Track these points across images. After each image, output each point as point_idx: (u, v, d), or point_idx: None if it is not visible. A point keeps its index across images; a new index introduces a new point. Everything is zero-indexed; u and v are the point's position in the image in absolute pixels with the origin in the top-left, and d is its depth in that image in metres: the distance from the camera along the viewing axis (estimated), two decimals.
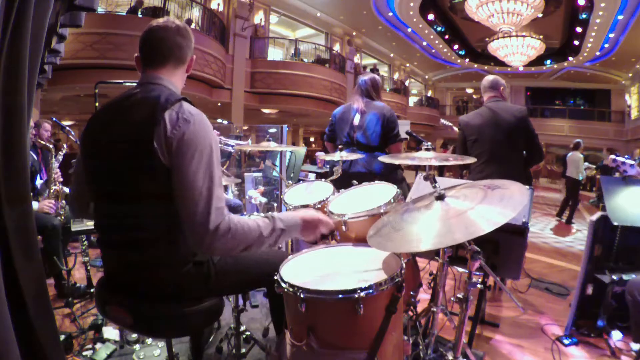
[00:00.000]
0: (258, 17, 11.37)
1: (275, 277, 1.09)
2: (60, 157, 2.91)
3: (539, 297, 2.88)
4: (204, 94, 9.42)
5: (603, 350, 2.08)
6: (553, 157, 17.94)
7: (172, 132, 0.99)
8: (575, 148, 6.71)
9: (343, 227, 1.42)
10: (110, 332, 2.05)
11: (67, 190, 2.81)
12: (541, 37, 13.61)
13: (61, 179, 2.79)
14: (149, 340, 2.01)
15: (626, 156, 2.19)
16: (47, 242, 2.49)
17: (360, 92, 2.61)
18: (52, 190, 2.72)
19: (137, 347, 1.96)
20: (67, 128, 2.98)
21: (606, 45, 13.61)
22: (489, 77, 2.72)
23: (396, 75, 18.17)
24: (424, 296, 2.49)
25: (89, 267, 2.68)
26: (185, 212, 0.99)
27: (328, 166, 3.69)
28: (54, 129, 3.54)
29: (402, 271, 1.06)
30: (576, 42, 13.96)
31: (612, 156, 2.23)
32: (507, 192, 1.09)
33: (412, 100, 20.18)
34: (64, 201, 2.77)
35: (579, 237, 5.27)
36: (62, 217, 2.67)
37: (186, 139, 1.00)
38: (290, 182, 2.15)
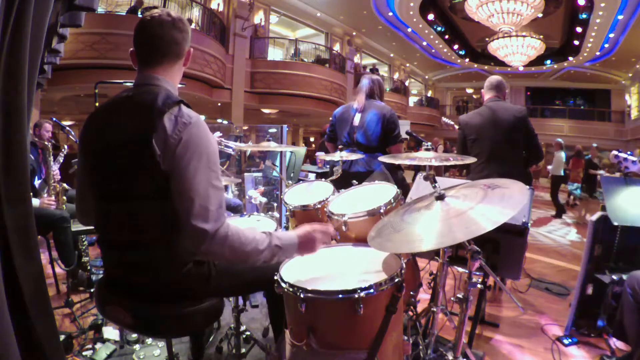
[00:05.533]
0: (258, 17, 11.37)
1: (275, 277, 1.09)
2: (60, 159, 2.94)
3: (539, 297, 2.88)
4: (204, 94, 9.42)
5: (603, 350, 2.07)
6: (553, 157, 17.97)
7: (172, 136, 0.99)
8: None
9: (343, 227, 1.42)
10: (110, 332, 2.05)
11: (66, 186, 2.82)
12: (541, 37, 13.61)
13: (59, 177, 2.81)
14: (149, 340, 2.01)
15: (628, 152, 2.18)
16: (57, 235, 2.52)
17: (363, 91, 2.61)
18: (51, 188, 2.73)
19: (137, 347, 1.96)
20: (67, 128, 2.99)
21: (606, 45, 13.61)
22: (497, 77, 2.71)
23: (396, 75, 18.16)
24: (424, 296, 2.49)
25: (88, 267, 2.68)
26: (183, 215, 0.98)
27: (328, 166, 3.69)
28: (54, 129, 3.55)
29: (402, 271, 1.06)
30: (576, 42, 13.96)
31: (615, 152, 2.22)
32: (507, 191, 1.09)
33: (412, 100, 20.17)
34: (64, 198, 2.79)
35: (578, 237, 5.27)
36: None
37: (185, 142, 0.99)
38: (290, 182, 2.15)
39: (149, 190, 1.02)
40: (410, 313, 1.64)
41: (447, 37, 15.03)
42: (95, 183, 1.13)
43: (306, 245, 1.16)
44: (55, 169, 2.80)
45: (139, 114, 1.03)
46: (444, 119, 3.63)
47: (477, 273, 1.25)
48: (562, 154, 7.20)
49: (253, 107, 11.39)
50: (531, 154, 2.60)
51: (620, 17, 11.33)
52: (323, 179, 2.06)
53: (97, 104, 2.59)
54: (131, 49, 1.15)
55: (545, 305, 2.72)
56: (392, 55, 17.68)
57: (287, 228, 2.25)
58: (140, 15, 7.76)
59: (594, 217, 2.21)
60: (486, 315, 2.42)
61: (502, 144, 2.51)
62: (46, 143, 2.85)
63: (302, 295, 0.98)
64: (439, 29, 14.36)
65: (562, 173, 7.19)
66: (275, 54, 12.60)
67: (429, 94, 21.49)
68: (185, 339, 1.94)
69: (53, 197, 2.68)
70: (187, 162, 0.99)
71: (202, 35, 8.77)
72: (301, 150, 3.71)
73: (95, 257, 3.15)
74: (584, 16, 11.84)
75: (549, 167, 7.40)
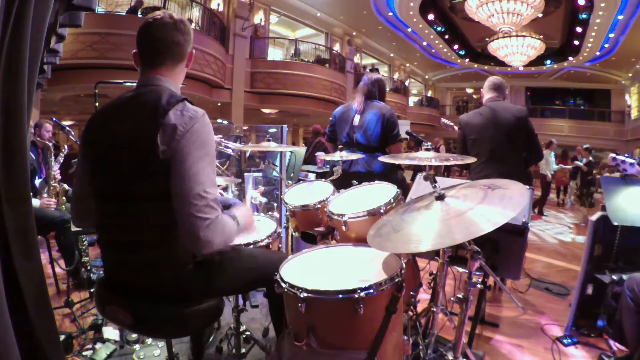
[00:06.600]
0: (258, 17, 11.37)
1: (276, 277, 1.09)
2: (61, 159, 2.94)
3: (539, 297, 2.88)
4: (204, 94, 9.42)
5: (603, 350, 2.07)
6: None
7: (178, 129, 1.01)
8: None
9: (343, 227, 1.42)
10: (110, 332, 2.05)
11: (66, 187, 2.83)
12: (541, 37, 13.60)
13: (59, 177, 2.81)
14: (149, 340, 2.01)
15: (626, 155, 2.19)
16: (59, 236, 2.54)
17: (361, 91, 2.61)
18: (51, 188, 2.73)
19: (137, 347, 1.96)
20: (67, 128, 2.99)
21: (606, 45, 13.61)
22: (498, 78, 2.71)
23: (396, 75, 18.16)
24: (424, 296, 2.49)
25: (89, 267, 2.69)
26: (182, 206, 0.99)
27: (328, 166, 3.69)
28: (54, 129, 3.56)
29: (402, 271, 1.06)
30: (576, 42, 13.95)
31: (612, 155, 2.23)
32: (507, 192, 1.09)
33: (412, 100, 20.17)
34: (64, 198, 2.79)
35: (578, 238, 5.27)
36: None
37: (190, 134, 1.01)
38: (290, 182, 2.15)
39: (151, 191, 1.03)
40: (410, 313, 1.64)
41: (447, 37, 15.02)
42: (97, 184, 1.12)
43: (248, 225, 1.20)
44: (56, 169, 2.80)
45: (143, 113, 1.04)
46: (443, 119, 3.63)
47: (477, 273, 1.25)
48: (551, 154, 7.34)
49: (253, 107, 11.39)
50: (531, 154, 2.60)
51: (620, 17, 11.33)
52: (323, 179, 2.06)
53: (97, 104, 2.60)
54: (134, 50, 1.16)
55: (545, 305, 2.73)
56: (392, 55, 17.68)
57: (287, 228, 2.25)
58: (140, 15, 7.77)
59: (594, 217, 2.21)
60: (486, 315, 2.43)
61: (502, 144, 2.50)
62: (47, 143, 2.86)
63: (302, 295, 0.99)
64: (439, 29, 14.36)
65: (549, 173, 7.30)
66: (275, 54, 12.60)
67: (429, 94, 21.49)
68: (185, 339, 1.94)
69: (53, 198, 2.68)
70: (189, 154, 1.00)
71: (202, 36, 8.77)
72: (301, 150, 3.71)
73: (95, 257, 3.15)
74: (584, 16, 11.83)
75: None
